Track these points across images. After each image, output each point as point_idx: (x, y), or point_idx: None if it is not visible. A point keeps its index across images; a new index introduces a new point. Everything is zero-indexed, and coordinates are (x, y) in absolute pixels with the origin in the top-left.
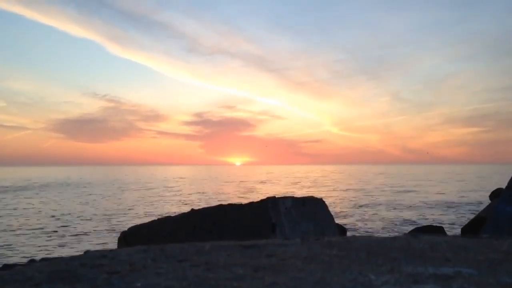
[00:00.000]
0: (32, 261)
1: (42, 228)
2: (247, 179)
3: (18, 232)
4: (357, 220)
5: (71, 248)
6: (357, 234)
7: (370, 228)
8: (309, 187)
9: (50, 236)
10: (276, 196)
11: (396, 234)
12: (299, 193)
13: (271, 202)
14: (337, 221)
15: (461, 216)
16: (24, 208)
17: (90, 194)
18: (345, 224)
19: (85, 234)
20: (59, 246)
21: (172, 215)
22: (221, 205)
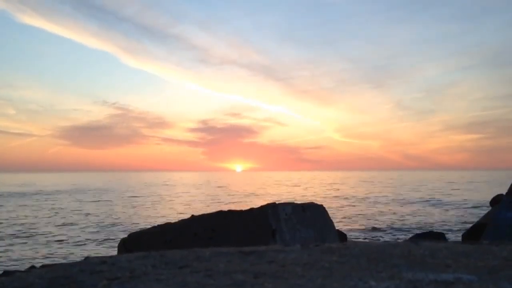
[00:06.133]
0: (32, 267)
1: (42, 234)
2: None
3: (18, 238)
4: (357, 226)
5: (71, 254)
6: (358, 240)
7: (371, 234)
8: (310, 193)
9: (50, 242)
10: (276, 203)
11: (397, 240)
12: (299, 199)
13: (271, 209)
14: (337, 227)
15: (462, 222)
16: (24, 215)
17: (90, 200)
18: (346, 230)
19: (85, 240)
20: (59, 253)
21: (172, 222)
22: (221, 211)
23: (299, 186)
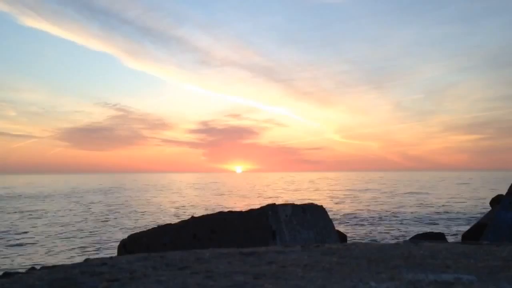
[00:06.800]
0: (32, 269)
1: (42, 236)
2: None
3: (18, 240)
4: (357, 227)
5: (71, 256)
6: (358, 241)
7: (371, 235)
8: (310, 194)
9: (51, 244)
10: (276, 203)
11: (397, 241)
12: (299, 200)
13: (271, 210)
14: (337, 228)
15: (462, 223)
16: (24, 216)
17: (90, 202)
18: (346, 231)
19: (85, 242)
20: (60, 254)
21: (172, 223)
22: (221, 212)
23: (299, 187)
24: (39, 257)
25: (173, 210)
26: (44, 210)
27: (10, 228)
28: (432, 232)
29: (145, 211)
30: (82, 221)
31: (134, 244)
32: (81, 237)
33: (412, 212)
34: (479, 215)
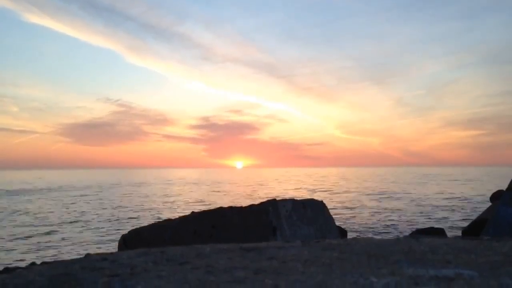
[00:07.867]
0: (33, 264)
1: (43, 231)
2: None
3: (19, 235)
4: (358, 223)
5: (71, 251)
6: (358, 237)
7: (371, 230)
8: (310, 189)
9: (51, 240)
10: (277, 199)
11: (397, 236)
12: (299, 196)
13: (272, 205)
14: (337, 223)
15: (462, 218)
16: (24, 212)
17: (90, 197)
18: (346, 227)
19: (86, 237)
20: (60, 249)
21: (172, 218)
22: (221, 208)
23: (299, 182)
24: (39, 253)
25: (173, 205)
26: (43, 205)
27: (10, 222)
28: (432, 228)
29: (146, 207)
30: (82, 216)
31: (134, 239)
32: (81, 233)
33: (412, 208)
34: (479, 211)
